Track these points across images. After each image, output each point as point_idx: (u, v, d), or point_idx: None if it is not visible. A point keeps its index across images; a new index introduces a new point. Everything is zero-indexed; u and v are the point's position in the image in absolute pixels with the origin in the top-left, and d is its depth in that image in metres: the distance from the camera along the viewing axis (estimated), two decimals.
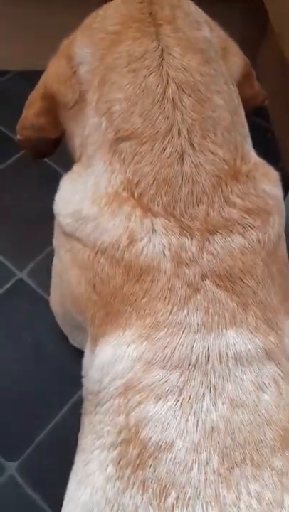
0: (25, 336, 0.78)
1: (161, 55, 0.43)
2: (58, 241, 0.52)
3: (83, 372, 0.51)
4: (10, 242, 0.88)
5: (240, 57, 0.50)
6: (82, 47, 0.46)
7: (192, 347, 0.40)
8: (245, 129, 0.47)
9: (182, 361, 0.39)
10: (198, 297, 0.41)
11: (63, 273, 0.50)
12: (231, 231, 0.42)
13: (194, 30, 0.45)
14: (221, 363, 0.39)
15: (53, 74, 0.49)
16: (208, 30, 0.47)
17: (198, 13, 0.48)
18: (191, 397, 0.38)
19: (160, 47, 0.43)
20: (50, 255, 0.58)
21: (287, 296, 0.45)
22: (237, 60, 0.50)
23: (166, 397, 0.39)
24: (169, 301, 0.41)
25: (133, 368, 0.40)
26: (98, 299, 0.44)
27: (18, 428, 0.71)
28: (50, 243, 0.56)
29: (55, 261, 0.56)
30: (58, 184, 0.51)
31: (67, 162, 0.54)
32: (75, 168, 0.49)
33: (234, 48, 0.50)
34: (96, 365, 0.44)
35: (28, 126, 0.53)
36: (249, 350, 0.40)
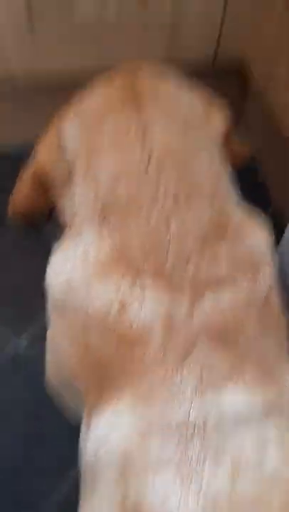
0: (21, 412, 0.74)
1: (144, 129, 0.45)
2: (50, 312, 0.52)
3: (80, 446, 0.48)
4: (4, 315, 0.85)
5: (223, 117, 0.53)
6: (71, 125, 0.50)
7: (188, 413, 0.38)
8: (229, 188, 0.48)
9: (179, 429, 0.38)
10: (192, 359, 0.40)
11: (58, 342, 0.49)
12: (221, 289, 0.42)
13: (176, 101, 0.49)
14: (219, 426, 0.38)
15: (43, 151, 0.51)
16: (190, 98, 0.50)
17: (181, 84, 0.51)
18: (191, 466, 0.36)
19: (142, 121, 0.46)
20: (44, 326, 0.55)
21: (283, 347, 0.45)
22: (219, 121, 0.52)
23: (165, 469, 0.37)
24: (162, 367, 0.40)
25: (129, 438, 0.39)
26: (92, 369, 0.43)
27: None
28: (44, 314, 0.54)
29: (50, 330, 0.55)
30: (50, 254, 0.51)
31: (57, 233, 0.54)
32: (65, 238, 0.50)
33: (216, 108, 0.53)
34: (91, 437, 0.42)
35: (19, 205, 0.55)
36: (248, 408, 0.39)
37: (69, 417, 0.63)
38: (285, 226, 0.80)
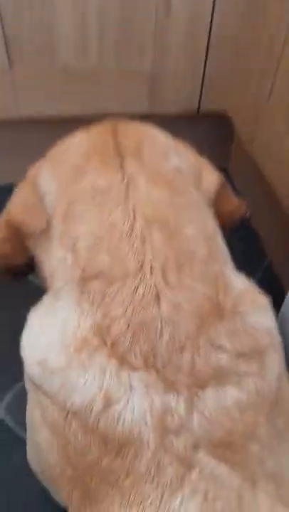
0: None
1: (127, 187, 0.40)
2: (27, 386, 0.45)
3: None
4: None
5: (214, 175, 0.49)
6: (47, 178, 0.45)
7: None
8: (224, 254, 0.43)
9: None
10: (193, 476, 0.32)
11: (34, 429, 0.42)
12: (223, 383, 0.35)
13: (161, 161, 0.44)
14: None
15: (18, 203, 0.47)
16: (178, 158, 0.46)
17: (166, 141, 0.47)
18: None
19: (126, 179, 0.41)
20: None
21: None
22: (210, 178, 0.48)
23: None
24: (158, 484, 0.32)
25: None
26: (73, 475, 0.35)
27: None
28: None
29: (28, 408, 0.48)
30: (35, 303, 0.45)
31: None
32: (44, 300, 0.44)
33: (206, 168, 0.49)
34: None
35: None
36: None
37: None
38: (282, 279, 0.77)
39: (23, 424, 0.69)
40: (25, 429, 0.68)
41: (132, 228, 0.38)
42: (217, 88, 0.95)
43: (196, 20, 0.85)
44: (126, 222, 0.38)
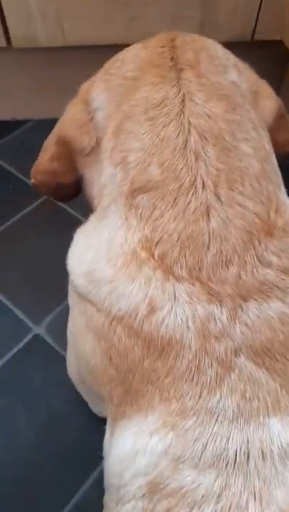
0: (39, 401, 0.71)
1: (182, 101, 0.39)
2: (71, 299, 0.47)
3: (104, 453, 0.44)
4: (26, 294, 0.83)
5: (273, 100, 0.46)
6: (100, 92, 0.44)
7: (228, 441, 0.33)
8: (278, 177, 0.42)
9: (217, 459, 0.33)
10: (233, 377, 0.34)
11: (77, 338, 0.45)
12: (268, 296, 0.36)
13: (220, 74, 0.42)
14: (265, 461, 0.32)
15: (69, 119, 0.46)
16: (236, 74, 0.44)
17: (225, 55, 0.45)
18: (232, 507, 0.31)
19: (181, 93, 0.39)
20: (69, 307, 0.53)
21: None
22: (268, 102, 0.46)
23: (201, 506, 0.32)
24: (197, 383, 0.34)
25: (158, 464, 0.34)
26: (115, 374, 0.38)
27: (34, 508, 0.62)
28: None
29: (70, 321, 0.51)
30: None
31: (87, 209, 0.50)
32: (90, 219, 0.45)
33: (266, 90, 0.46)
34: (114, 456, 0.37)
35: (42, 170, 0.50)
36: None
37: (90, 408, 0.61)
38: None
39: (61, 342, 0.75)
40: (63, 347, 0.74)
41: (185, 142, 0.38)
42: (275, 14, 0.88)
43: None
44: (179, 136, 0.38)
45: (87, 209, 0.51)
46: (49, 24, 0.87)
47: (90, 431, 0.67)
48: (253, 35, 0.91)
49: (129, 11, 0.85)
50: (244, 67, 0.46)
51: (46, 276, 0.84)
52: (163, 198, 0.37)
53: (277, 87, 1.04)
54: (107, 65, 0.46)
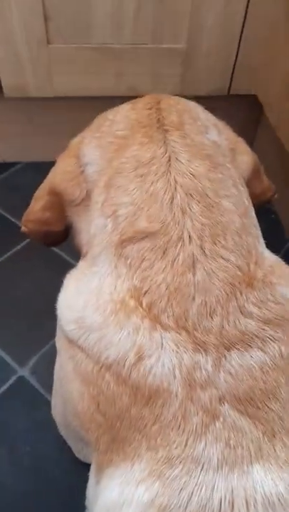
0: (23, 446, 0.70)
1: (169, 160, 0.42)
2: (59, 343, 0.48)
3: (87, 503, 0.44)
4: (11, 333, 0.83)
5: (249, 155, 0.50)
6: (91, 149, 0.47)
7: (213, 490, 0.34)
8: (257, 229, 0.45)
9: (203, 509, 0.33)
10: (217, 425, 0.35)
11: (64, 382, 0.46)
12: (250, 346, 0.38)
13: (202, 134, 0.45)
14: (248, 511, 0.33)
15: (60, 172, 0.49)
16: (217, 133, 0.47)
17: (206, 116, 0.49)
18: None
19: (168, 153, 0.42)
20: (55, 348, 0.53)
21: None
22: (246, 158, 0.49)
23: None
24: (183, 431, 0.35)
25: None
26: (103, 421, 0.39)
27: None
28: (55, 334, 0.51)
29: (57, 365, 0.51)
30: (64, 272, 0.49)
31: (74, 251, 0.52)
32: (80, 265, 0.47)
33: (243, 146, 0.50)
34: (101, 506, 0.37)
35: (33, 219, 0.52)
36: (281, 492, 0.34)
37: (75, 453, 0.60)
38: None
39: (45, 384, 0.75)
40: (47, 390, 0.74)
41: (172, 199, 0.40)
42: (249, 70, 0.95)
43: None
44: (167, 193, 0.40)
45: (74, 251, 0.53)
46: (39, 76, 0.91)
47: (74, 475, 0.66)
48: (229, 90, 0.98)
49: (117, 67, 0.91)
50: (223, 126, 0.50)
51: (32, 317, 0.85)
52: (152, 250, 0.39)
53: (252, 135, 1.11)
54: (98, 122, 0.49)
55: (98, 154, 0.46)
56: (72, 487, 0.65)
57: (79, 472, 0.63)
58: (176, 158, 0.42)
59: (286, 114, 0.86)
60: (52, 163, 0.52)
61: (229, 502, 0.33)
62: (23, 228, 0.54)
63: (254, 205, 0.47)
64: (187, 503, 0.33)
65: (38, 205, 0.51)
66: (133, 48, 0.89)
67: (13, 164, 1.13)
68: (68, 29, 0.86)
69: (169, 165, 0.42)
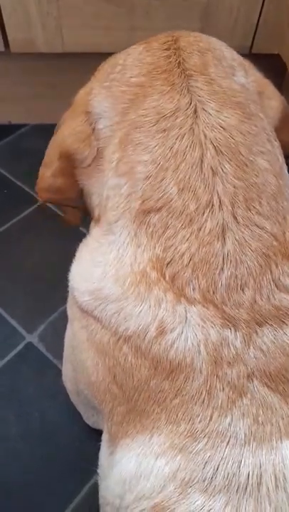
0: (32, 410, 0.70)
1: (195, 112, 0.37)
2: (71, 312, 0.46)
3: (99, 470, 0.43)
4: (20, 301, 0.82)
5: (278, 99, 0.45)
6: (101, 100, 0.42)
7: (240, 464, 0.32)
8: None
9: (228, 483, 0.32)
10: (245, 401, 0.34)
11: (77, 351, 0.44)
12: (284, 322, 0.35)
13: (229, 78, 0.40)
14: (277, 487, 0.32)
15: (69, 132, 0.44)
16: (243, 74, 0.42)
17: (231, 55, 0.43)
18: None
19: (193, 102, 0.38)
20: (64, 315, 0.52)
21: None
22: (274, 103, 0.44)
23: None
24: (208, 405, 0.34)
25: (165, 488, 0.33)
26: (119, 392, 0.37)
27: None
28: (64, 302, 0.50)
29: (68, 331, 0.50)
30: (72, 239, 0.46)
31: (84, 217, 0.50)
32: (94, 233, 0.43)
33: (271, 89, 0.45)
34: (116, 476, 0.36)
35: (45, 187, 0.48)
36: None
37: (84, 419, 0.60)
38: None
39: (53, 351, 0.75)
40: (55, 356, 0.74)
41: (201, 157, 0.36)
42: (273, 28, 0.89)
43: None
44: (195, 151, 0.36)
45: (84, 217, 0.50)
46: (48, 30, 0.86)
47: (83, 440, 0.66)
48: (251, 49, 0.92)
49: (130, 20, 0.86)
50: (249, 65, 0.45)
51: (40, 284, 0.84)
52: (178, 218, 0.36)
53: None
54: (106, 69, 0.44)
55: (110, 106, 0.41)
56: (81, 452, 0.65)
57: (88, 438, 0.63)
58: (203, 109, 0.37)
59: None
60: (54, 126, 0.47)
61: (257, 477, 0.32)
62: (39, 199, 0.50)
63: (284, 154, 0.43)
64: (212, 477, 0.32)
65: (48, 171, 0.46)
66: (149, 1, 0.83)
67: (19, 126, 1.09)
68: None
69: (196, 117, 0.37)
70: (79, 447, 0.66)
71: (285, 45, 0.89)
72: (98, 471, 0.44)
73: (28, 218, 0.93)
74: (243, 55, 0.94)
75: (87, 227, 0.48)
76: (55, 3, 0.83)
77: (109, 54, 0.79)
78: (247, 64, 0.45)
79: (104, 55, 0.80)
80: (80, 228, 0.84)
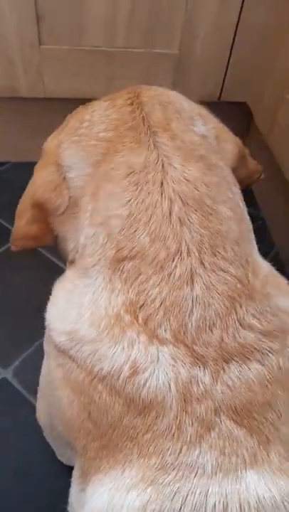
0: (5, 446, 0.70)
1: (163, 166, 0.40)
2: (48, 349, 0.47)
3: (69, 508, 0.44)
4: None
5: (233, 141, 0.49)
6: (71, 154, 0.44)
7: (207, 494, 0.34)
8: (251, 233, 0.44)
9: None
10: (213, 435, 0.35)
11: (53, 387, 0.45)
12: (248, 358, 0.38)
13: (190, 131, 0.44)
14: None
15: (41, 183, 0.46)
16: (202, 123, 0.46)
17: (189, 106, 0.47)
18: None
19: (160, 158, 0.41)
20: (40, 350, 0.53)
21: None
22: (230, 146, 0.48)
23: None
24: (177, 439, 0.35)
25: None
26: (93, 429, 0.39)
27: None
28: (40, 335, 0.51)
29: (44, 367, 0.51)
30: (49, 273, 0.48)
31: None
32: (69, 274, 0.45)
33: (226, 133, 0.48)
34: (88, 508, 0.37)
35: (21, 236, 0.50)
36: (274, 497, 0.34)
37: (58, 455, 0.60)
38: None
39: (28, 387, 0.75)
40: (29, 392, 0.73)
41: (170, 210, 0.39)
42: (240, 78, 0.96)
43: (227, 5, 0.85)
44: (164, 203, 0.39)
45: (58, 254, 0.52)
46: (30, 77, 0.91)
47: (57, 477, 0.65)
48: (220, 97, 0.99)
49: (108, 70, 0.91)
50: (205, 113, 0.49)
51: (16, 319, 0.84)
52: (150, 265, 0.38)
53: (242, 142, 1.12)
54: (73, 123, 0.46)
55: (80, 159, 0.43)
56: (54, 488, 0.64)
57: (61, 473, 0.63)
58: (170, 164, 0.40)
59: (276, 123, 0.88)
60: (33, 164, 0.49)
61: (223, 505, 0.33)
62: (12, 247, 0.52)
63: (241, 188, 0.46)
64: (180, 507, 0.34)
65: (22, 221, 0.49)
66: (125, 52, 0.89)
67: (1, 164, 1.12)
68: (60, 30, 0.85)
69: (164, 172, 0.40)
70: (53, 483, 0.66)
71: (250, 94, 0.96)
72: (68, 508, 0.44)
73: (5, 252, 0.94)
74: (213, 103, 1.02)
75: (60, 259, 0.49)
76: (37, 50, 0.87)
77: (89, 100, 0.83)
78: (204, 112, 0.48)
79: (84, 100, 0.85)
80: (59, 263, 0.87)
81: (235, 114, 1.06)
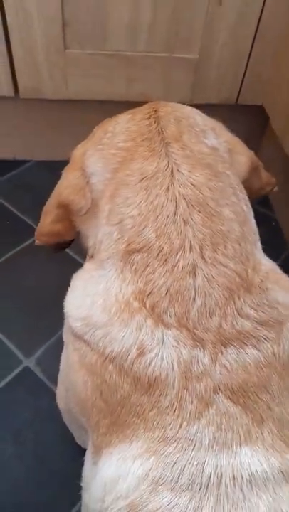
0: (27, 432, 0.74)
1: (171, 173, 0.45)
2: (66, 336, 0.52)
3: (83, 484, 0.47)
4: (19, 325, 0.87)
5: (246, 154, 0.52)
6: (95, 161, 0.49)
7: (203, 465, 0.37)
8: (255, 235, 0.48)
9: (192, 482, 0.37)
10: (210, 412, 0.39)
11: (70, 372, 0.49)
12: (245, 344, 0.41)
13: (200, 143, 0.48)
14: (234, 485, 0.37)
15: (67, 185, 0.51)
16: (214, 137, 0.50)
17: (203, 122, 0.51)
18: None
19: (170, 165, 0.45)
20: (61, 340, 0.56)
21: None
22: (242, 158, 0.51)
23: None
24: (178, 416, 0.39)
25: (139, 487, 0.37)
26: (104, 407, 0.42)
27: None
28: (62, 326, 0.54)
29: (64, 354, 0.55)
30: (71, 267, 0.52)
31: (79, 249, 0.55)
32: (87, 266, 0.50)
33: (239, 147, 0.52)
34: (98, 481, 0.41)
35: (45, 232, 0.55)
36: (265, 470, 0.37)
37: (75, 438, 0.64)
38: None
39: (49, 375, 0.79)
40: (51, 381, 0.77)
41: (175, 210, 0.43)
42: (257, 82, 0.98)
43: (246, 11, 0.88)
44: (170, 205, 0.43)
45: (78, 248, 0.56)
46: (55, 80, 0.95)
47: (77, 461, 0.69)
48: (237, 100, 1.01)
49: (128, 73, 0.95)
50: (220, 128, 0.52)
51: (38, 310, 0.88)
52: (156, 257, 0.42)
53: (258, 144, 1.14)
54: (98, 134, 0.52)
55: (101, 166, 0.49)
56: (73, 474, 0.68)
57: (79, 457, 0.67)
58: (178, 170, 0.45)
59: None
60: (61, 162, 0.54)
61: (218, 476, 0.37)
62: (36, 242, 0.57)
63: (251, 199, 0.50)
64: (179, 476, 0.37)
65: (48, 218, 0.54)
66: (146, 56, 0.93)
67: (23, 162, 1.17)
68: (85, 35, 0.89)
69: (172, 177, 0.44)
70: (72, 467, 0.69)
71: (268, 97, 0.98)
72: (82, 484, 0.48)
73: (29, 248, 0.98)
74: (230, 106, 1.04)
75: (80, 253, 0.53)
76: (62, 54, 0.92)
77: (109, 102, 0.86)
78: (218, 126, 0.52)
79: (104, 102, 0.88)
80: (76, 257, 0.91)
81: (252, 117, 1.08)
